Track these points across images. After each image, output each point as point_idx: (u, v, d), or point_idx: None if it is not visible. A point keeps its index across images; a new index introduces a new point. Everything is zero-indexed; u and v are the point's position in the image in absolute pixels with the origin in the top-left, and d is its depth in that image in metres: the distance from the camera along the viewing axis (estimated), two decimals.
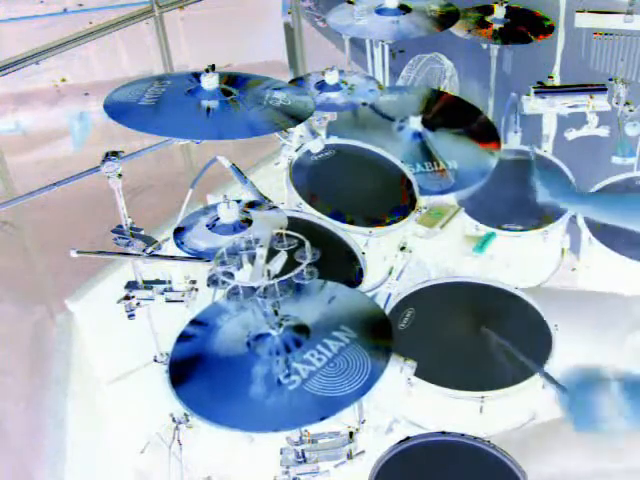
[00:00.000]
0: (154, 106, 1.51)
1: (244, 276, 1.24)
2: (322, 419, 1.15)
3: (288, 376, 1.20)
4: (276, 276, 1.23)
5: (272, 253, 1.28)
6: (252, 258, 1.25)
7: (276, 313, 1.26)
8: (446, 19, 2.35)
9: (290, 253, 1.29)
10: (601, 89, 2.25)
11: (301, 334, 1.28)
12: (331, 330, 1.29)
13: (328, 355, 1.24)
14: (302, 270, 1.25)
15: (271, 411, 1.17)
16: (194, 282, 1.66)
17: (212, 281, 1.29)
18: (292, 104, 1.60)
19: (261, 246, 1.26)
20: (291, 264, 1.26)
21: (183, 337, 1.33)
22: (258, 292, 1.23)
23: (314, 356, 1.24)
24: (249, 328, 1.30)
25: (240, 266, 1.26)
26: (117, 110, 1.50)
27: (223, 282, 1.25)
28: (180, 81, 1.62)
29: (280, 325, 1.26)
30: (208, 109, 1.52)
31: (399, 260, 2.00)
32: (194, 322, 1.37)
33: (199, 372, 1.26)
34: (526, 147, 2.41)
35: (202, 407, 1.19)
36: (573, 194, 2.03)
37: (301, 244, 1.29)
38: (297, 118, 1.59)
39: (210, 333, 1.33)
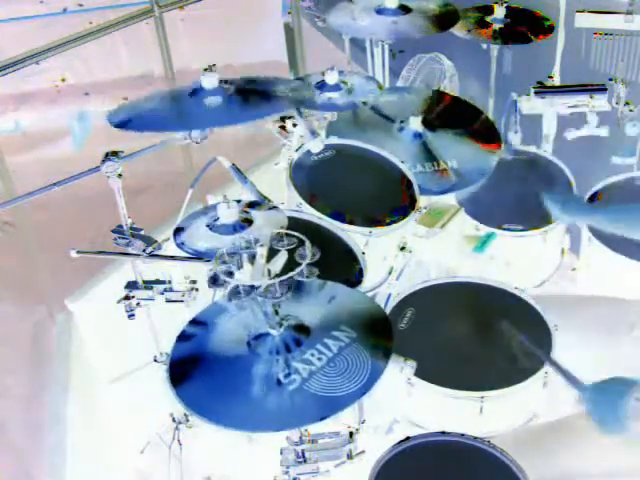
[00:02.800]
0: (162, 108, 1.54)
1: (244, 276, 1.24)
2: (322, 419, 1.15)
3: (288, 376, 1.20)
4: (276, 275, 1.23)
5: (272, 253, 1.28)
6: (252, 258, 1.25)
7: (276, 313, 1.26)
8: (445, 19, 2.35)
9: (290, 253, 1.29)
10: (601, 89, 2.25)
11: (301, 334, 1.28)
12: (331, 330, 1.29)
13: (328, 355, 1.24)
14: (302, 269, 1.25)
15: (271, 411, 1.17)
16: (194, 282, 1.66)
17: (212, 281, 1.29)
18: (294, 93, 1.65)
19: (261, 246, 1.26)
20: (291, 264, 1.27)
21: (183, 337, 1.33)
22: (258, 291, 1.23)
23: (314, 356, 1.23)
24: (249, 328, 1.30)
25: (240, 266, 1.26)
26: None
27: (223, 282, 1.25)
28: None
29: (280, 325, 1.26)
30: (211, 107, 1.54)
31: (399, 260, 2.00)
32: (194, 322, 1.37)
33: (199, 372, 1.25)
34: (526, 147, 2.42)
35: (202, 407, 1.19)
36: (583, 209, 1.98)
37: (301, 243, 1.29)
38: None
39: (210, 333, 1.33)
